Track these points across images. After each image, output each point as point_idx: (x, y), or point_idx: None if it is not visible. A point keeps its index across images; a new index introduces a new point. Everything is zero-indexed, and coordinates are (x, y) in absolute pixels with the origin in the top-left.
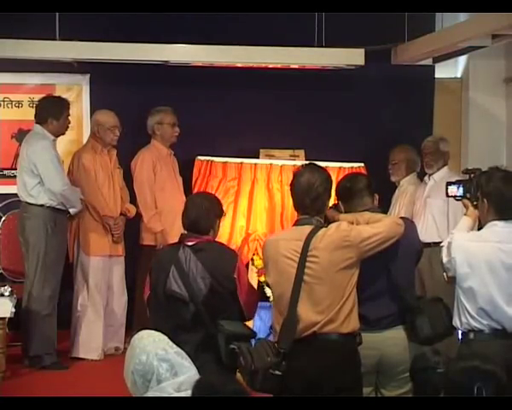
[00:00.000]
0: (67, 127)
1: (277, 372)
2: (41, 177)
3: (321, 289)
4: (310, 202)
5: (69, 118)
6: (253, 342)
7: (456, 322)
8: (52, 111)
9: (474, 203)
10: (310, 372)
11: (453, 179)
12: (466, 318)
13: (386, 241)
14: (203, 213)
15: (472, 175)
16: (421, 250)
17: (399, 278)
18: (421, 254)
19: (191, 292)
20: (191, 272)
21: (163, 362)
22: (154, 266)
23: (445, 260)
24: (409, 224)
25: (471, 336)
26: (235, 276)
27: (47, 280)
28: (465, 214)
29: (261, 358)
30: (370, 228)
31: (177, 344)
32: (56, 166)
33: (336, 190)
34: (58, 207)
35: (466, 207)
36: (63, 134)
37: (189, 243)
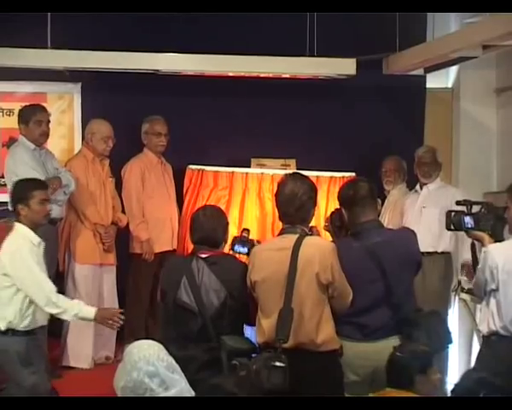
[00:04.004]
0: (43, 134)
1: (278, 364)
2: None
3: (297, 301)
4: (294, 211)
5: (44, 124)
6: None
7: (483, 327)
8: (21, 117)
9: (489, 233)
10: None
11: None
12: (501, 322)
13: (341, 289)
14: (216, 227)
15: (469, 206)
16: (420, 262)
17: (397, 289)
18: (420, 266)
19: (201, 305)
20: (204, 285)
21: (154, 377)
22: (164, 274)
23: (486, 273)
24: (410, 234)
25: (493, 338)
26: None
27: None
28: (483, 246)
29: (260, 357)
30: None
31: (184, 354)
32: (32, 168)
33: (338, 197)
34: None
35: (482, 239)
36: (43, 141)
37: (203, 256)
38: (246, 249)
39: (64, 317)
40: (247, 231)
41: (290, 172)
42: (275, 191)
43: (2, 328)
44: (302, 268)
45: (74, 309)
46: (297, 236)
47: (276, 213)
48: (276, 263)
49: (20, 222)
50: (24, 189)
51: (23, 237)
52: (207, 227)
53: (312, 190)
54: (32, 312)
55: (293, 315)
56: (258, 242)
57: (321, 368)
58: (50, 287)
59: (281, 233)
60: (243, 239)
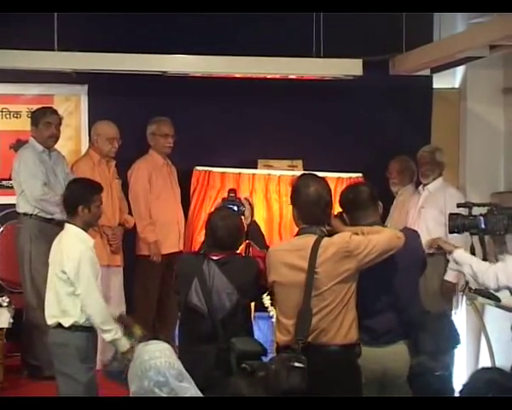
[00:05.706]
0: (52, 136)
1: (297, 364)
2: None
3: (320, 300)
4: (321, 211)
5: (53, 126)
6: (263, 358)
7: None
8: (32, 119)
9: (502, 233)
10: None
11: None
12: None
13: (384, 253)
14: (230, 231)
15: (470, 208)
16: (425, 261)
17: (403, 292)
18: (425, 265)
19: (211, 308)
20: (215, 288)
21: (163, 387)
22: (178, 273)
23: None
24: (413, 235)
25: None
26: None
27: (35, 289)
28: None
29: (279, 358)
30: (369, 239)
31: (195, 355)
32: (33, 173)
33: (340, 201)
34: (42, 215)
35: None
36: (52, 144)
37: (214, 258)
38: (236, 207)
39: (107, 337)
40: (234, 190)
41: (306, 172)
42: (292, 192)
43: (66, 325)
44: (322, 268)
45: (118, 332)
46: (316, 236)
47: (283, 214)
48: (295, 264)
49: (71, 223)
50: (87, 191)
51: (81, 241)
52: (221, 232)
53: (330, 189)
54: None
55: (312, 315)
56: (246, 199)
57: (339, 364)
58: (104, 305)
59: (298, 234)
60: (231, 199)
